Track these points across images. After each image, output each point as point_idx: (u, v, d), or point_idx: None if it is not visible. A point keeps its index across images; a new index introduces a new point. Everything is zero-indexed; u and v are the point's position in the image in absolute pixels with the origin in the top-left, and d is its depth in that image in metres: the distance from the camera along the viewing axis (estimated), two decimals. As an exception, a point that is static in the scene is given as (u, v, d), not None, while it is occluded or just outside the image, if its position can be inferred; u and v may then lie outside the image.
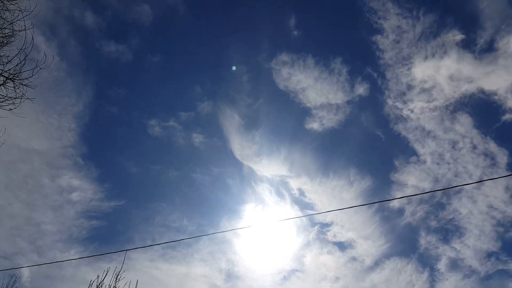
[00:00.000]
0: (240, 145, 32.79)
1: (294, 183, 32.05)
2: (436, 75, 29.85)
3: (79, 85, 28.92)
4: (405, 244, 32.04)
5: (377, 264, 30.53)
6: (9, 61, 9.61)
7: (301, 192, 31.88)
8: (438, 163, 31.04)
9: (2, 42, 10.29)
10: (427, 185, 30.82)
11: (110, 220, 30.18)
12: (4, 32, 10.27)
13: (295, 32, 31.64)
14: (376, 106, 31.68)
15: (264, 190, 31.99)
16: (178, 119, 32.38)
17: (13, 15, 10.95)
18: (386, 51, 29.81)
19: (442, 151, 30.91)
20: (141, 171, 32.59)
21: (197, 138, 33.04)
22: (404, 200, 32.47)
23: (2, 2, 10.58)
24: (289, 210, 31.41)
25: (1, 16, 10.72)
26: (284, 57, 31.13)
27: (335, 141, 33.15)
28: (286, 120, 33.85)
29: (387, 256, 30.66)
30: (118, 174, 32.59)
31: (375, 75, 30.67)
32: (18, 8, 11.05)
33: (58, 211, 28.72)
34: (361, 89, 30.65)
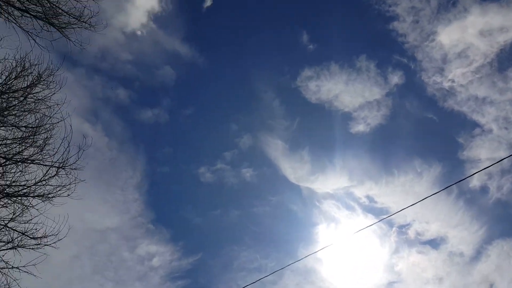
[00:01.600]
0: (291, 168, 32.30)
1: (360, 191, 30.71)
2: (465, 36, 28.11)
3: (131, 157, 30.67)
4: (503, 223, 29.07)
5: (479, 252, 27.80)
6: (56, 152, 10.25)
7: (370, 199, 30.40)
8: (506, 128, 28.46)
9: (46, 137, 11.07)
10: (502, 153, 28.21)
11: (193, 277, 30.50)
12: (46, 127, 11.07)
13: (311, 46, 31.61)
14: (417, 89, 30.22)
15: (330, 207, 30.91)
16: (224, 160, 32.88)
17: (52, 110, 11.84)
18: (408, 34, 28.74)
19: (506, 114, 28.40)
20: (204, 220, 33.07)
21: (247, 173, 33.14)
22: (484, 177, 29.76)
23: (39, 100, 11.53)
24: (363, 221, 29.91)
25: (43, 114, 11.62)
26: (307, 72, 31.01)
27: (387, 137, 31.74)
28: (329, 131, 33.15)
29: (487, 241, 27.90)
30: (186, 229, 33.30)
31: (405, 60, 29.50)
32: (56, 103, 11.97)
33: (144, 280, 29.60)
34: (396, 78, 29.49)
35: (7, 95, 10.88)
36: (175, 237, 31.19)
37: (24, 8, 10.92)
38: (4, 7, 10.55)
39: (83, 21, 11.80)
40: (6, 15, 10.90)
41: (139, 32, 31.07)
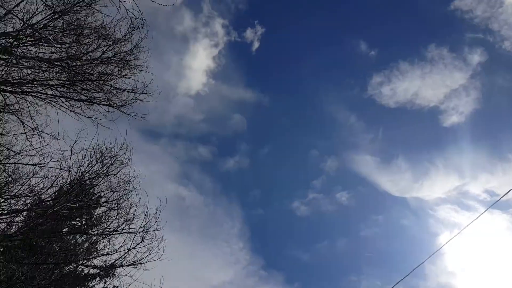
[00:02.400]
0: (390, 182, 29.96)
1: (476, 187, 27.10)
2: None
3: (226, 208, 31.68)
4: None
5: None
6: (134, 219, 10.91)
7: (491, 193, 26.53)
8: None
9: (129, 207, 11.89)
10: None
11: None
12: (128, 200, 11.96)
13: (372, 52, 30.28)
14: (504, 60, 26.65)
15: (447, 212, 27.61)
16: (315, 188, 31.90)
17: (132, 183, 12.77)
18: (474, 8, 26.00)
19: None
20: (313, 254, 31.80)
21: (343, 197, 31.52)
22: None
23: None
24: (490, 219, 25.94)
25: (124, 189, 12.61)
26: (376, 79, 29.50)
27: (488, 120, 28.08)
28: (419, 131, 30.45)
29: None
30: (297, 268, 32.30)
31: (480, 35, 26.50)
32: (134, 176, 12.91)
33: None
34: (476, 57, 26.49)
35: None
36: (289, 278, 30.46)
37: (89, 98, 12.35)
38: (71, 102, 12.07)
39: (140, 92, 12.90)
40: (77, 110, 12.39)
41: (203, 92, 33.13)
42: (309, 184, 34.40)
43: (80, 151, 12.25)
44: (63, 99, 12.02)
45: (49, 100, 11.99)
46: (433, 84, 28.42)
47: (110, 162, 13.01)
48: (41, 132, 12.07)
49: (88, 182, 12.31)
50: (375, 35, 30.65)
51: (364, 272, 30.25)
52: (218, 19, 32.26)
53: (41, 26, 9.96)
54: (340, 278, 30.89)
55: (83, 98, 12.46)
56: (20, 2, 9.61)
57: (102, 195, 12.19)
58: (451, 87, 27.47)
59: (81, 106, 12.20)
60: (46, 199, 11.08)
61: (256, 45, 32.21)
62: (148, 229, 11.21)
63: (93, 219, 11.70)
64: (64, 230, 12.77)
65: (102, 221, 11.43)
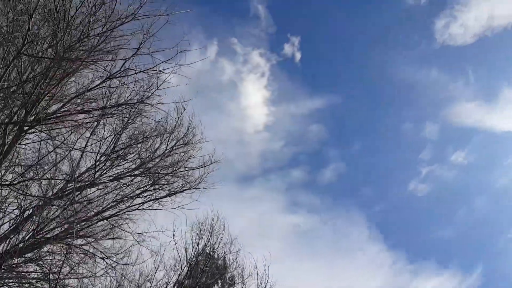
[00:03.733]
0: (504, 118, 26.36)
1: None
2: None
3: (347, 218, 30.20)
4: None
5: None
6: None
7: None
8: None
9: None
10: None
11: None
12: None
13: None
14: None
15: None
16: (425, 162, 27.98)
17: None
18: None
19: None
20: (455, 228, 27.99)
21: (459, 157, 26.45)
22: None
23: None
24: None
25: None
26: (439, 23, 26.26)
27: None
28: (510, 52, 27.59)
29: None
30: (445, 248, 28.93)
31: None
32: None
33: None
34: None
35: None
36: (441, 263, 27.29)
37: (170, 192, 12.99)
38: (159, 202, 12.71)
39: (209, 164, 13.48)
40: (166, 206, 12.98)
41: (270, 122, 32.68)
42: (417, 160, 31.81)
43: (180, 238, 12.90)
44: (151, 202, 12.65)
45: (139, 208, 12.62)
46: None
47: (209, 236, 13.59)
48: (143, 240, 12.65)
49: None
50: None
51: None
52: (254, 52, 32.99)
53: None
54: (496, 239, 28.47)
55: (165, 193, 13.05)
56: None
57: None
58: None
59: (164, 201, 12.75)
60: None
61: (298, 55, 31.73)
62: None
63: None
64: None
65: None
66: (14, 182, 8.91)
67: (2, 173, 9.04)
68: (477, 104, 29.57)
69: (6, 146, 7.88)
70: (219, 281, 22.08)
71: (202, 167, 13.48)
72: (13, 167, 9.26)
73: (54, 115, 8.48)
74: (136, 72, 9.63)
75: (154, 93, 9.98)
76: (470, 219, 30.38)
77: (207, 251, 13.66)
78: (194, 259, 13.41)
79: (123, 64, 9.47)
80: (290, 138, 32.79)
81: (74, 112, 8.61)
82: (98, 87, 9.53)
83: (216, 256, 22.48)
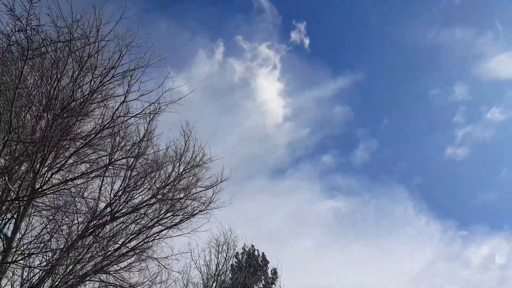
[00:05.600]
0: None
1: None
2: None
3: (388, 195, 29.08)
4: None
5: None
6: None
7: None
8: None
9: None
10: None
11: None
12: None
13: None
14: None
15: None
16: (459, 124, 26.44)
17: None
18: None
19: None
20: (502, 189, 26.20)
21: (495, 113, 25.35)
22: None
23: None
24: None
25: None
26: None
27: None
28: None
29: None
30: (495, 211, 26.59)
31: None
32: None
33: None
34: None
35: None
36: (495, 225, 25.94)
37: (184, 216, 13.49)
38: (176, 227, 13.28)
39: (217, 184, 13.74)
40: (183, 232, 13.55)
41: (289, 113, 32.06)
42: (451, 123, 30.78)
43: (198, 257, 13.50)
44: (168, 229, 13.13)
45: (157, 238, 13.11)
46: None
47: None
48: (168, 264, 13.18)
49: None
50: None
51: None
52: (262, 46, 32.72)
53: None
54: None
55: (179, 219, 13.41)
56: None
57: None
58: None
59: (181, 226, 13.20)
60: None
61: (306, 41, 30.89)
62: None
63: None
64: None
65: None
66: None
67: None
68: (510, 55, 27.28)
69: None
70: (262, 277, 23.15)
71: (211, 187, 13.74)
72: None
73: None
74: (126, 118, 10.08)
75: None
76: (513, 180, 28.95)
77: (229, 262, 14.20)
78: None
79: (113, 113, 9.91)
80: (314, 124, 32.25)
81: (74, 178, 9.15)
82: (94, 138, 10.05)
83: (256, 253, 23.35)
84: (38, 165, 7.97)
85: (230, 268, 15.99)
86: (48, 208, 9.63)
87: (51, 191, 8.72)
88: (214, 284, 13.58)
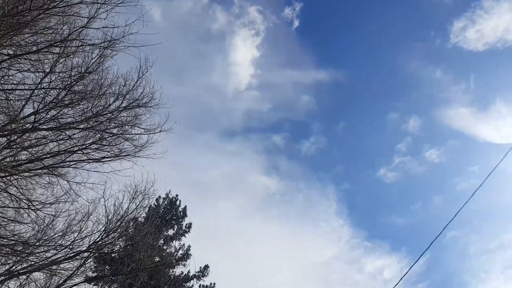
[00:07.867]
0: (493, 130, 27.39)
1: None
2: None
3: (319, 189, 30.50)
4: None
5: None
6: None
7: None
8: None
9: None
10: None
11: (430, 277, 28.05)
12: None
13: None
14: None
15: None
16: (400, 152, 29.53)
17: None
18: None
19: None
20: (409, 217, 30.56)
21: (432, 154, 29.12)
22: None
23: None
24: None
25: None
26: (457, 24, 25.97)
27: None
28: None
29: None
30: (399, 233, 31.13)
31: None
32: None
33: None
34: None
35: None
36: (394, 246, 29.96)
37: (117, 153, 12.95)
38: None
39: (153, 132, 13.29)
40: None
41: (256, 84, 32.08)
42: (394, 149, 32.81)
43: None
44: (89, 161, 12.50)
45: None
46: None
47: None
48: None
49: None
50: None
51: (473, 226, 29.13)
52: (252, 7, 30.96)
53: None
54: (445, 236, 30.01)
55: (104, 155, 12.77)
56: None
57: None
58: None
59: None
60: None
61: (296, 23, 30.19)
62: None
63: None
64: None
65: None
66: None
67: None
68: (470, 111, 29.07)
69: None
70: (175, 226, 23.35)
71: (149, 134, 13.22)
72: None
73: None
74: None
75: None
76: (426, 213, 31.77)
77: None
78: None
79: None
80: (278, 104, 32.24)
81: None
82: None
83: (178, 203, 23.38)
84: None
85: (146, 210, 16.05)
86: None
87: None
88: (118, 223, 13.39)
